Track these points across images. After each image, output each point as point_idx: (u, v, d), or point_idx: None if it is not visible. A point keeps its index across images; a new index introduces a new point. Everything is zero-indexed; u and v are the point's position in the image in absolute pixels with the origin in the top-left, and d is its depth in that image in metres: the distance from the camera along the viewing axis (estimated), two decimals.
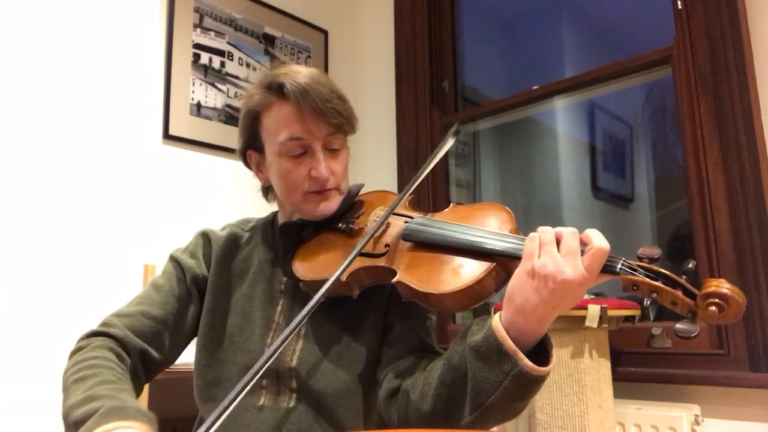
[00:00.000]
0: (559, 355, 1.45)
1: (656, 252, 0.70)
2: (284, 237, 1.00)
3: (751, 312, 1.43)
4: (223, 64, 2.05)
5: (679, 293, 0.68)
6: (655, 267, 0.69)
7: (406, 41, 2.37)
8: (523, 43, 2.47)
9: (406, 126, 2.30)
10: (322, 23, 2.39)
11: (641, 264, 0.70)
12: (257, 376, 0.69)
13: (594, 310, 1.39)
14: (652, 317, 0.67)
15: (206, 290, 1.00)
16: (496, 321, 0.72)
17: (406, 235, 0.87)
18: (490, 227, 0.82)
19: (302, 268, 0.93)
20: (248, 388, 0.68)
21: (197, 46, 1.98)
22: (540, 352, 0.73)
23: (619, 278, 0.70)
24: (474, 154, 2.39)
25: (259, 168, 1.04)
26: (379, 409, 0.90)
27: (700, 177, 1.56)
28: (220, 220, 1.17)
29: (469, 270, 0.76)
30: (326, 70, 2.39)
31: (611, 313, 1.42)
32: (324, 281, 0.85)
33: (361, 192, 1.04)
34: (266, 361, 0.70)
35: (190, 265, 1.01)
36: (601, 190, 2.17)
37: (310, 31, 2.35)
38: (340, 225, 0.97)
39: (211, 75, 2.01)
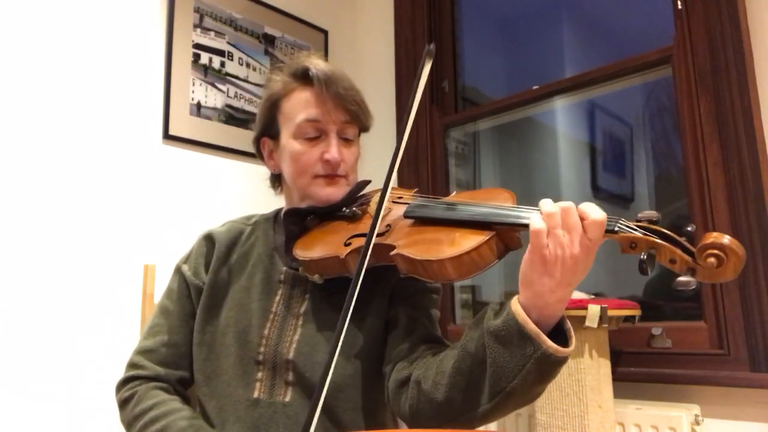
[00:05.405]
0: None
1: (654, 215, 0.71)
2: (290, 222, 0.99)
3: (751, 312, 1.43)
4: (223, 64, 2.05)
5: (678, 250, 0.67)
6: (653, 226, 0.70)
7: (406, 41, 2.37)
8: (523, 43, 2.46)
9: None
10: (322, 23, 2.39)
11: (639, 223, 0.70)
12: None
13: (594, 310, 1.39)
14: (650, 271, 0.67)
15: (204, 289, 1.01)
16: (516, 304, 0.72)
17: (407, 213, 0.88)
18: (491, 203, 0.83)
19: (303, 251, 0.94)
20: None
21: (197, 46, 1.98)
22: (558, 333, 0.73)
23: (617, 237, 0.70)
24: (474, 154, 2.39)
25: (270, 155, 1.05)
26: (388, 401, 0.88)
27: (700, 177, 1.56)
28: (220, 221, 1.17)
29: (468, 239, 0.76)
30: None
31: (611, 313, 1.42)
32: (325, 258, 0.88)
33: (367, 188, 1.05)
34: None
35: (191, 278, 1.02)
36: (601, 190, 2.16)
37: (310, 31, 2.35)
38: (344, 210, 0.98)
39: (211, 75, 2.01)
